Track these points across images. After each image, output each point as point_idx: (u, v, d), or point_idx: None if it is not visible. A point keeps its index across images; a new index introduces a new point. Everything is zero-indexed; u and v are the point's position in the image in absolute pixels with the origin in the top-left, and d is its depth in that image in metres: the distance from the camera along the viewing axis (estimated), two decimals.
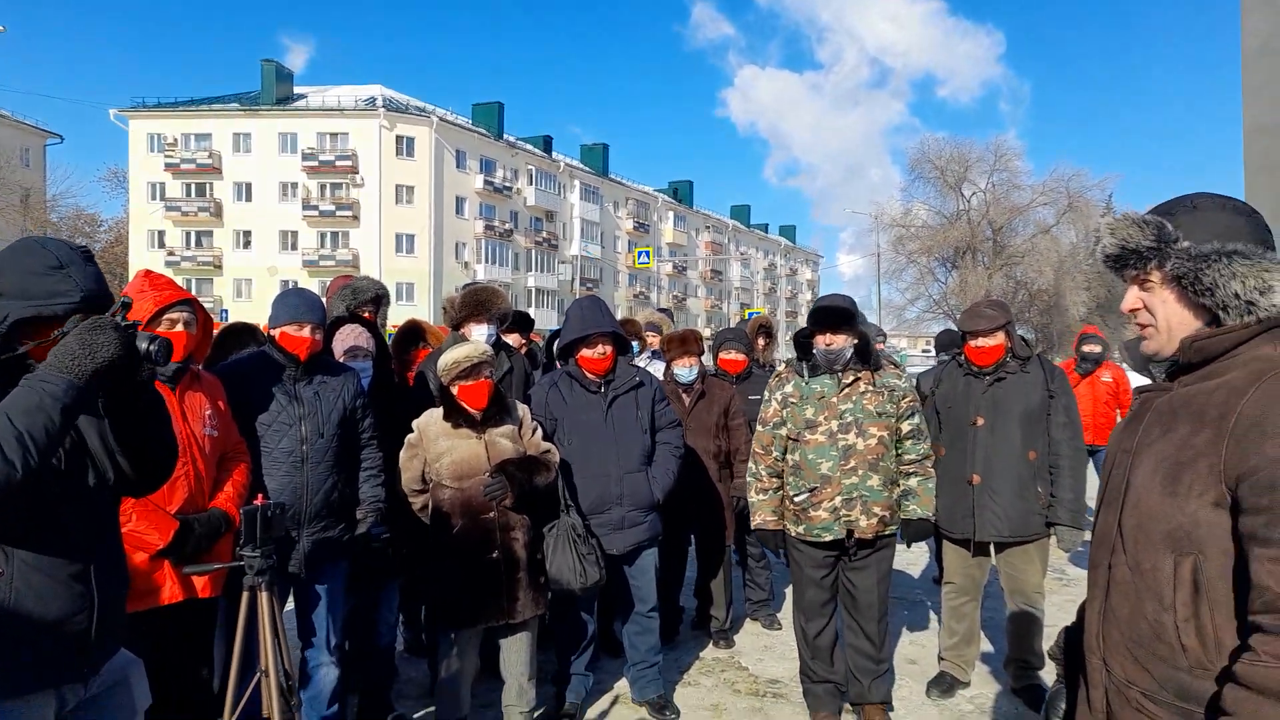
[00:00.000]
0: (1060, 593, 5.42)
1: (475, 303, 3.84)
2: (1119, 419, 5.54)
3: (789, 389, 3.55)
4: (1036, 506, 3.74)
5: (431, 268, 43.85)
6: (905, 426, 3.51)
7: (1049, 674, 3.90)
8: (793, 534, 3.54)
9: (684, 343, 4.61)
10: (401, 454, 3.30)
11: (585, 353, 3.64)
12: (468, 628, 3.23)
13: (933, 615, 5.10)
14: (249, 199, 43.94)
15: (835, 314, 3.42)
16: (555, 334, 4.90)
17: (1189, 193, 1.47)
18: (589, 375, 3.66)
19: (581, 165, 57.11)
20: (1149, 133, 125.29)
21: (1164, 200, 1.51)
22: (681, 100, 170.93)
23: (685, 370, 4.59)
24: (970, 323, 3.83)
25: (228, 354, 3.69)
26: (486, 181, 47.54)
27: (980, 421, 3.77)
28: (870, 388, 3.47)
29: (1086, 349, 6.64)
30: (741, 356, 5.14)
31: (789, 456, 3.54)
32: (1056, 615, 4.55)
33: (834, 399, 3.45)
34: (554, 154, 54.70)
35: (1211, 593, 1.29)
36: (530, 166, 51.33)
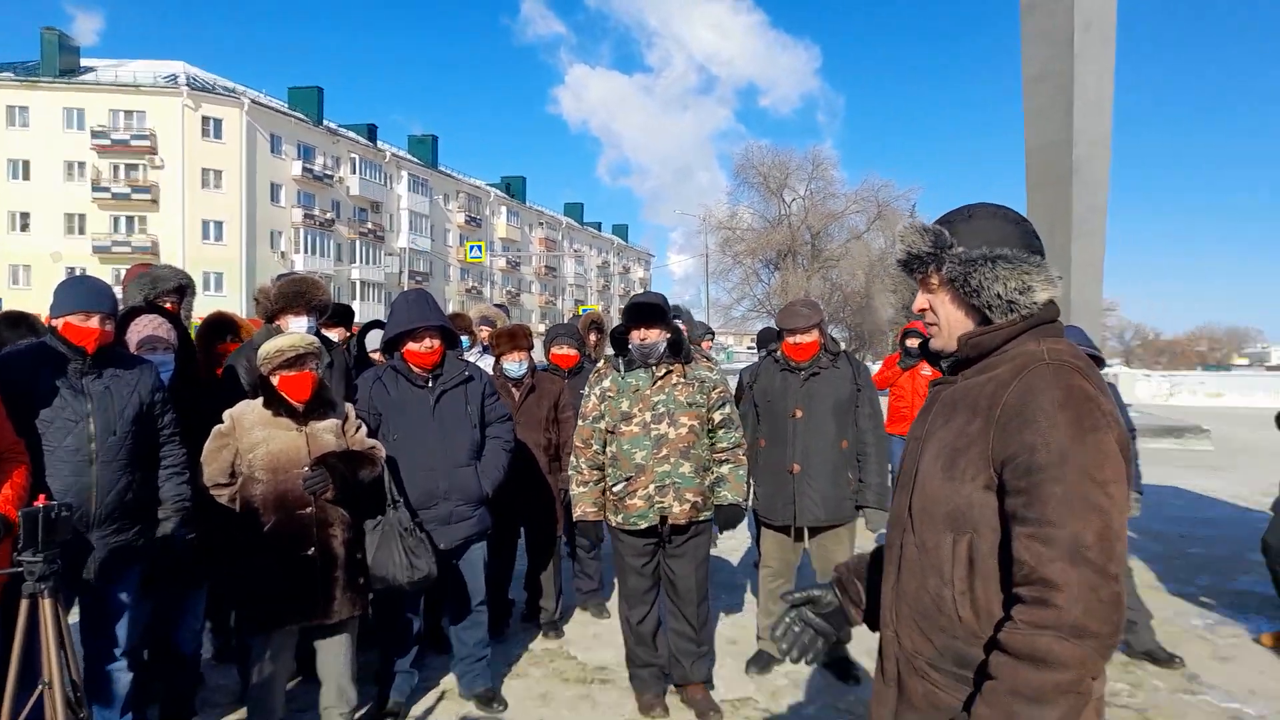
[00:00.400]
0: None
1: (293, 293, 3.66)
2: None
3: (607, 383, 3.66)
4: (847, 492, 4.03)
5: (243, 257, 41.14)
6: (716, 416, 3.69)
7: (854, 646, 4.22)
8: (613, 524, 3.64)
9: (513, 338, 4.61)
10: (208, 444, 3.09)
11: (412, 346, 3.56)
12: (281, 628, 3.09)
13: (751, 598, 5.35)
14: (26, 177, 39.52)
15: (649, 310, 3.58)
16: (367, 327, 4.73)
17: (970, 203, 1.61)
18: (415, 369, 3.59)
19: (409, 156, 55.41)
20: (949, 148, 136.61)
21: (949, 210, 1.65)
22: (513, 95, 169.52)
23: (514, 365, 4.58)
24: (789, 321, 4.06)
25: (1, 345, 3.33)
26: (305, 168, 45.14)
27: (799, 414, 4.01)
28: (682, 380, 3.62)
29: (909, 344, 6.99)
30: (573, 352, 5.19)
31: (608, 449, 3.64)
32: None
33: (648, 391, 3.59)
34: (379, 143, 52.70)
35: (983, 568, 1.41)
36: (353, 155, 49.21)
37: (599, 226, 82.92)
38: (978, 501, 1.42)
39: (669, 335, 3.62)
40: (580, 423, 3.72)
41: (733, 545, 6.94)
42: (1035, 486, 1.33)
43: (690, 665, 3.72)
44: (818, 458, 3.98)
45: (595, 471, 3.67)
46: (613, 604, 5.16)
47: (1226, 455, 12.92)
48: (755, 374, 4.29)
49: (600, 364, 3.84)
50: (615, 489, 3.60)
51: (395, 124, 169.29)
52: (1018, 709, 1.29)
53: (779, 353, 4.15)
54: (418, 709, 3.74)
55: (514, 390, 4.59)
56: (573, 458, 3.73)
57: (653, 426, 3.56)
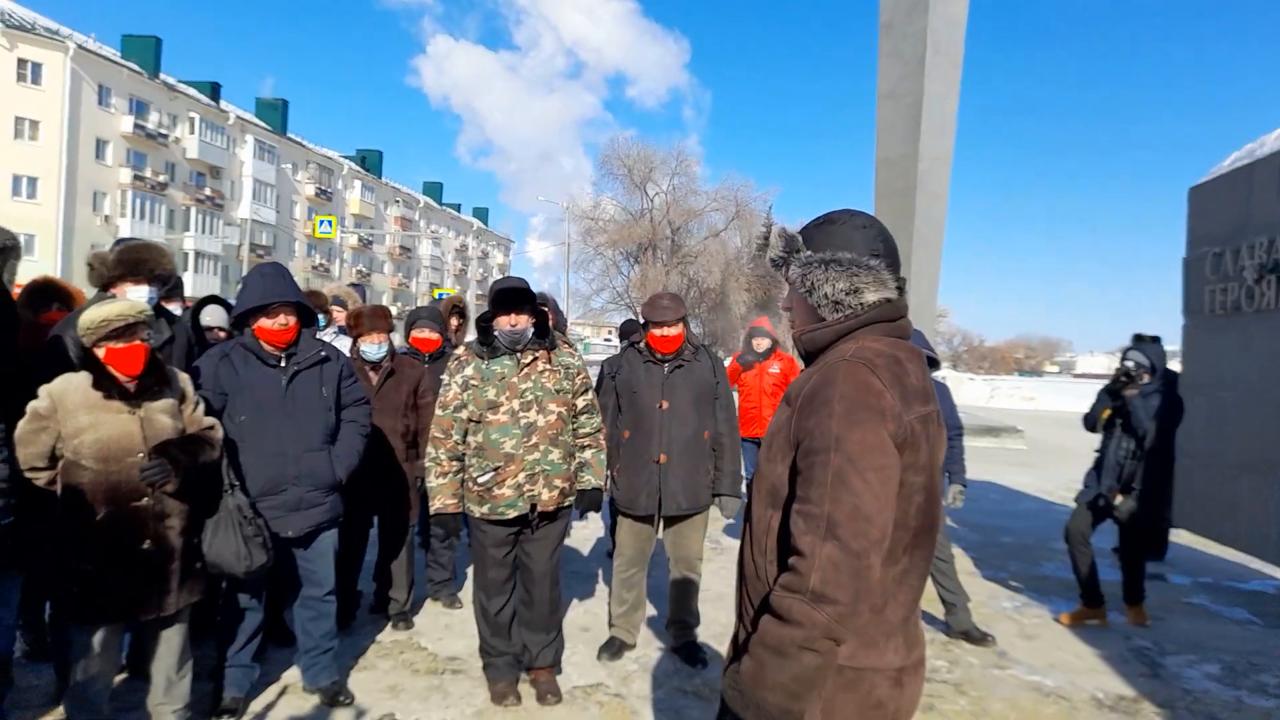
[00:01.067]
0: (714, 560, 6.04)
1: (133, 260, 3.39)
2: None
3: (469, 372, 3.59)
4: (706, 481, 4.16)
5: (60, 218, 37.41)
6: (580, 402, 3.71)
7: (703, 631, 4.37)
8: (476, 515, 3.59)
9: (372, 318, 4.46)
10: (23, 424, 2.76)
11: (264, 323, 3.37)
12: (109, 623, 2.87)
13: (603, 587, 5.43)
14: None
15: (517, 295, 3.53)
16: (203, 302, 4.44)
17: (837, 209, 1.72)
18: (267, 348, 3.41)
19: (256, 120, 52.04)
20: (809, 151, 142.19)
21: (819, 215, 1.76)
22: (371, 63, 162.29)
23: (373, 347, 4.44)
24: (656, 313, 4.13)
25: None
26: (137, 125, 41.50)
27: (664, 405, 4.10)
28: (548, 366, 3.62)
29: (754, 342, 6.87)
30: (435, 335, 5.09)
31: (471, 439, 3.57)
32: (711, 581, 5.08)
33: (514, 379, 3.55)
34: (223, 103, 49.22)
35: (786, 538, 1.56)
36: (193, 114, 45.66)
37: (459, 208, 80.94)
38: (784, 480, 1.58)
39: (535, 320, 3.59)
40: (439, 412, 3.62)
41: (585, 535, 7.01)
42: (809, 467, 1.49)
43: (539, 651, 3.74)
44: (682, 448, 4.09)
45: (455, 462, 3.60)
46: (465, 594, 5.10)
47: (1037, 454, 14.21)
48: (618, 365, 4.35)
49: (460, 351, 3.74)
50: (481, 480, 3.53)
51: (242, 84, 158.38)
52: (765, 659, 1.47)
53: (643, 344, 4.22)
54: (257, 704, 3.57)
55: (371, 374, 4.44)
56: (430, 448, 3.62)
57: (522, 414, 3.53)
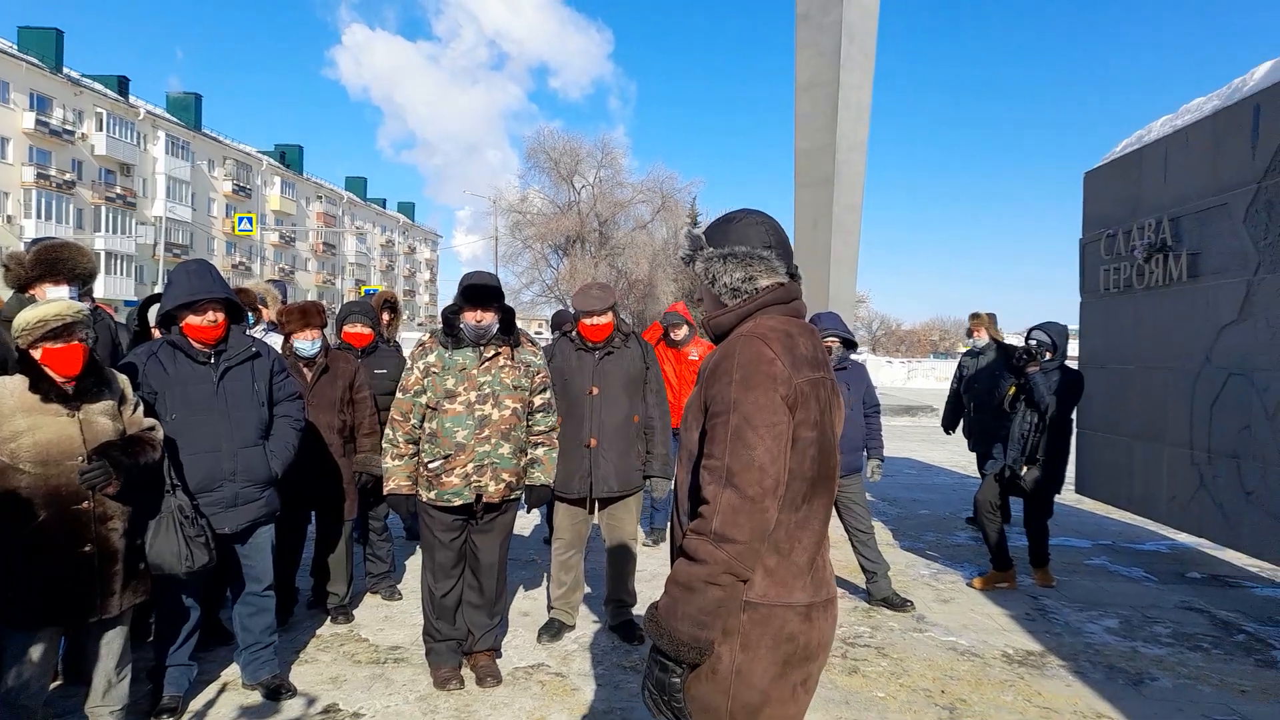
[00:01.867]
0: (646, 540, 6.22)
1: (52, 260, 3.36)
2: None
3: (431, 359, 3.67)
4: (637, 464, 4.31)
5: None
6: (537, 400, 3.81)
7: (640, 608, 4.52)
8: (424, 499, 3.67)
9: (305, 315, 4.47)
10: None
11: (192, 320, 3.37)
12: (51, 628, 2.86)
13: (542, 572, 5.54)
14: None
15: (486, 291, 3.61)
16: (149, 300, 4.40)
17: (736, 209, 1.96)
18: (196, 345, 3.41)
19: (168, 115, 50.17)
20: (731, 143, 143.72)
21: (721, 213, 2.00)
22: (286, 55, 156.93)
23: (307, 344, 4.45)
24: (585, 303, 4.25)
25: None
26: (40, 122, 39.71)
27: (595, 391, 4.23)
28: (509, 362, 3.71)
29: (672, 331, 6.64)
30: (368, 330, 5.12)
31: (426, 424, 3.66)
32: (646, 561, 5.24)
33: (474, 371, 3.64)
34: (131, 98, 47.31)
35: (697, 494, 1.77)
36: (100, 110, 43.84)
37: (383, 203, 79.42)
38: (697, 444, 1.79)
39: (502, 316, 3.67)
40: (400, 395, 3.70)
41: (524, 522, 7.10)
42: (713, 428, 1.71)
43: (481, 635, 3.84)
44: (612, 432, 4.23)
45: (411, 445, 3.68)
46: (404, 586, 5.17)
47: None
48: (551, 354, 4.46)
49: (425, 338, 3.82)
50: (431, 465, 3.62)
51: (151, 78, 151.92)
52: (676, 594, 1.68)
53: (574, 333, 4.33)
54: (197, 702, 3.58)
55: (305, 370, 4.46)
56: (389, 430, 3.70)
57: (477, 407, 3.62)
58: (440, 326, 3.76)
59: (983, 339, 7.14)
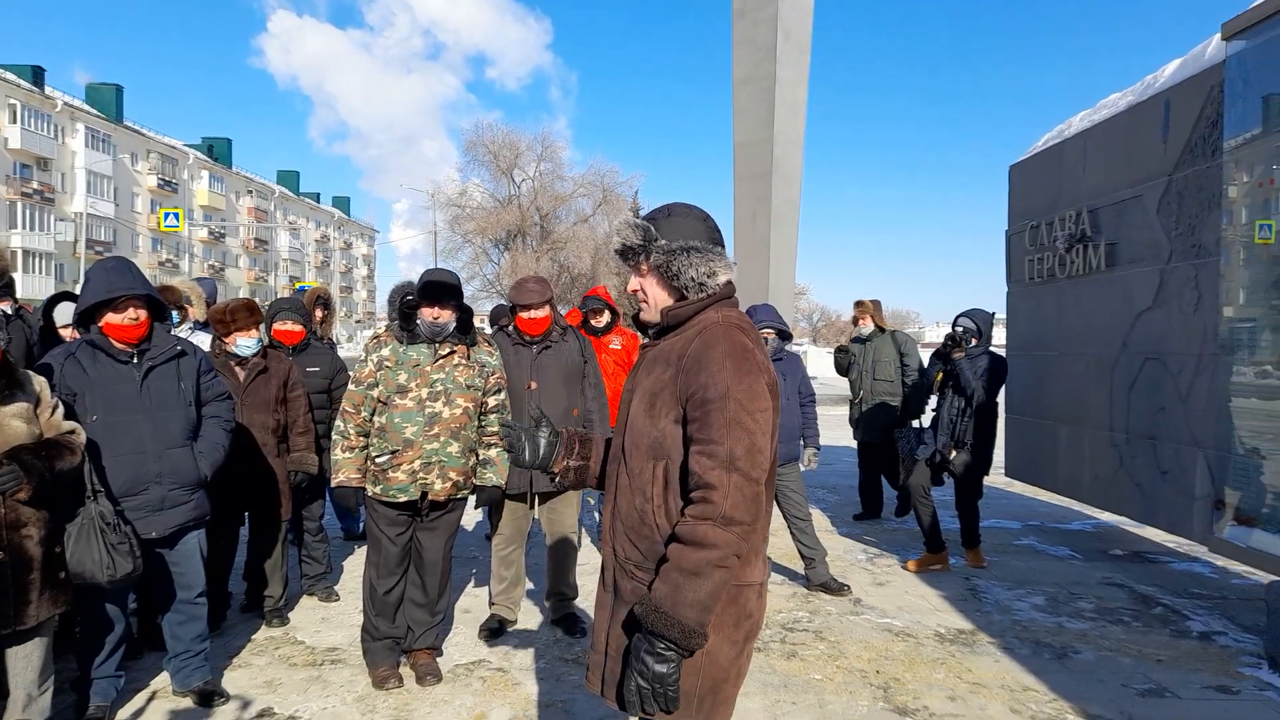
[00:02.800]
0: (590, 534, 6.23)
1: None
2: None
3: (385, 352, 3.64)
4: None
5: None
6: (491, 401, 3.78)
7: (582, 601, 4.53)
8: (370, 494, 3.64)
9: (243, 314, 4.34)
10: None
11: (112, 318, 3.25)
12: None
13: (483, 569, 5.51)
14: None
15: (444, 289, 3.57)
16: (54, 299, 4.23)
17: (669, 202, 1.98)
18: (117, 344, 3.30)
19: (87, 107, 48.23)
20: (672, 135, 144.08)
21: (657, 206, 2.01)
22: (211, 43, 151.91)
23: (251, 342, 4.34)
24: (522, 297, 4.23)
25: None
26: None
27: (533, 385, 4.22)
28: (464, 361, 3.68)
29: (592, 319, 6.14)
30: (298, 328, 5.01)
31: (376, 419, 3.62)
32: (586, 554, 5.25)
33: (428, 368, 3.61)
34: (48, 89, 45.36)
35: (673, 485, 1.80)
36: (13, 101, 41.92)
37: (318, 198, 77.65)
38: (670, 433, 1.80)
39: (459, 315, 3.64)
40: (353, 387, 3.66)
41: (465, 518, 7.04)
42: (705, 415, 1.72)
43: (421, 633, 3.81)
44: None
45: (362, 438, 3.64)
46: (341, 587, 5.09)
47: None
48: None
49: (381, 331, 3.78)
50: (379, 460, 3.59)
51: (68, 68, 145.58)
52: (681, 581, 1.68)
53: (511, 328, 4.31)
54: (124, 712, 3.48)
55: (238, 369, 4.35)
56: (340, 422, 3.66)
57: (428, 404, 3.59)
58: (396, 321, 3.71)
59: (868, 326, 7.03)
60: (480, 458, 3.80)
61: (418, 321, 3.63)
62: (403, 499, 3.60)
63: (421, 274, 3.68)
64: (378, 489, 3.62)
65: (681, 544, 1.70)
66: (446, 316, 3.61)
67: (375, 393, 3.63)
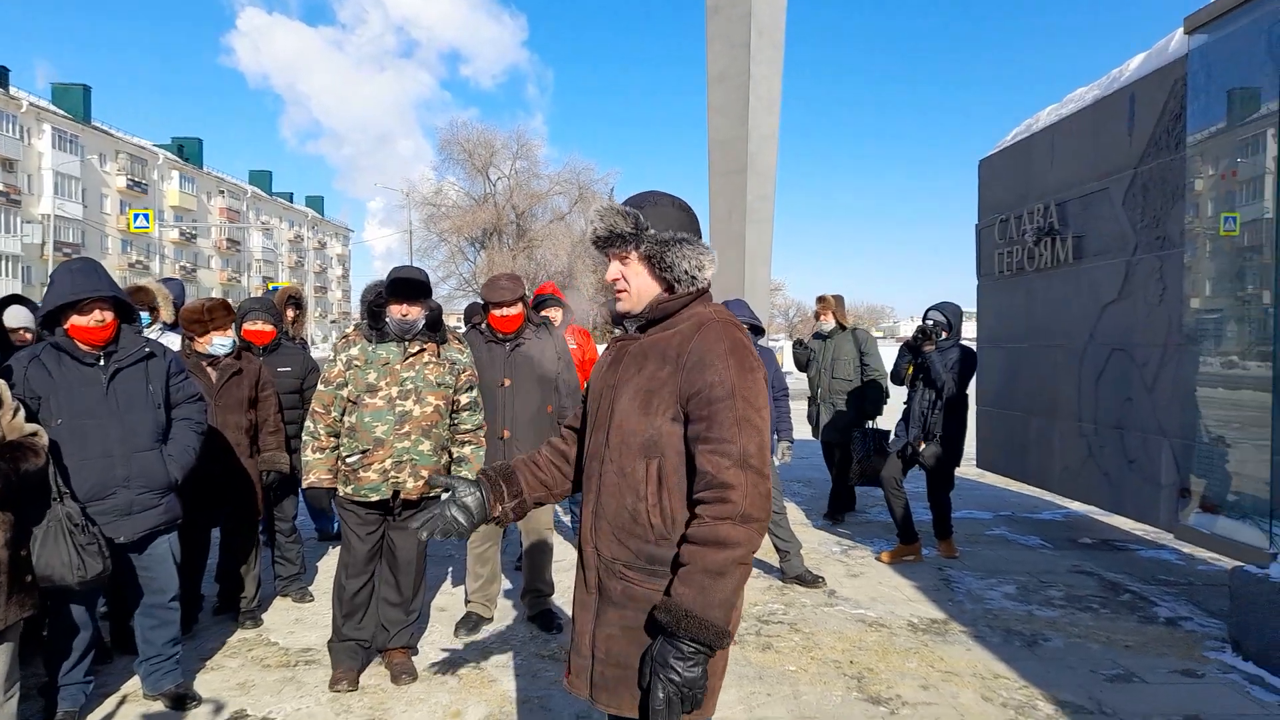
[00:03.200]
0: (565, 529, 6.23)
1: None
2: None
3: (355, 351, 3.62)
4: None
5: None
6: (464, 399, 3.77)
7: (558, 597, 4.53)
8: (342, 493, 3.62)
9: (217, 314, 4.29)
10: None
11: (78, 321, 3.20)
12: None
13: (459, 567, 5.49)
14: None
15: (413, 286, 3.55)
16: (4, 302, 4.13)
17: (650, 190, 1.92)
18: (83, 346, 3.25)
19: (53, 107, 47.44)
20: (650, 132, 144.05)
21: (634, 194, 1.94)
22: (180, 42, 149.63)
23: (226, 341, 4.30)
24: (495, 294, 4.22)
25: None
26: None
27: (507, 383, 4.21)
28: (434, 359, 3.67)
29: (549, 315, 5.73)
30: (269, 328, 4.97)
31: (346, 418, 3.60)
32: (562, 551, 5.26)
33: (397, 366, 3.59)
34: (12, 89, 44.57)
35: (669, 484, 1.77)
36: None
37: (291, 198, 76.90)
38: (666, 431, 1.77)
39: (428, 312, 3.62)
40: (322, 388, 3.63)
41: None
42: (714, 414, 1.71)
43: (396, 632, 3.79)
44: (526, 423, 4.22)
45: (333, 439, 3.62)
46: (315, 587, 5.06)
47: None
48: None
49: (350, 330, 3.75)
50: (349, 460, 3.57)
51: (33, 68, 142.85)
52: (707, 583, 1.66)
53: (483, 325, 4.30)
54: (94, 717, 3.43)
55: (210, 370, 4.31)
56: (309, 422, 3.63)
57: (398, 402, 3.57)
58: (365, 320, 3.68)
59: (829, 323, 6.87)
60: (454, 456, 3.78)
61: (386, 320, 3.61)
62: (374, 498, 3.58)
63: (390, 271, 3.65)
64: (349, 489, 3.60)
65: (701, 545, 1.67)
66: (415, 314, 3.59)
67: (345, 392, 3.61)
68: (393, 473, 3.57)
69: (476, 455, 3.82)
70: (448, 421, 3.74)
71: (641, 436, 1.78)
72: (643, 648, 1.75)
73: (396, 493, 3.60)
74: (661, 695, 1.64)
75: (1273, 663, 3.77)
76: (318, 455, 3.62)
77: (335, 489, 3.65)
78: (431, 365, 3.66)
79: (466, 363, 3.82)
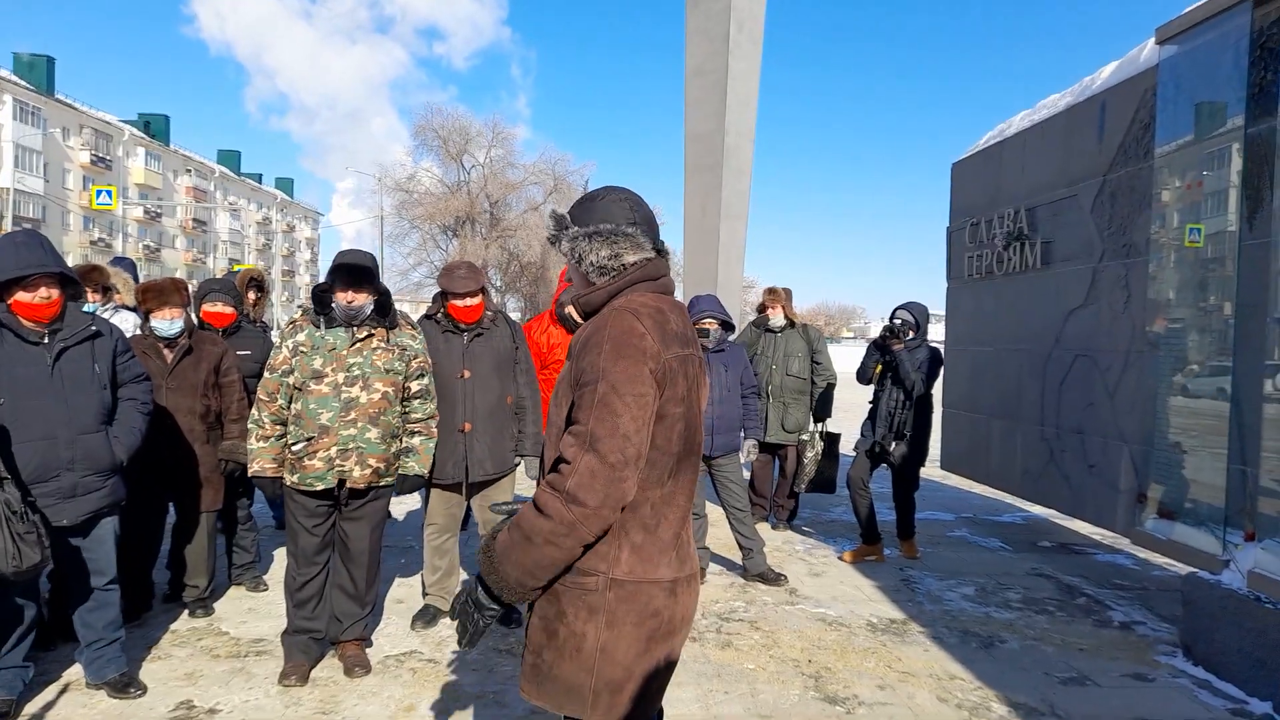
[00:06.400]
0: None
1: None
2: None
3: (301, 337, 3.53)
4: (511, 445, 4.27)
5: None
6: (414, 386, 3.68)
7: None
8: (288, 482, 3.54)
9: (162, 293, 4.19)
10: None
11: (22, 297, 3.09)
12: None
13: (417, 559, 5.40)
14: None
15: (358, 272, 3.47)
16: None
17: (601, 187, 1.93)
18: (27, 324, 3.14)
19: (15, 78, 46.20)
20: (632, 121, 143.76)
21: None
22: (145, 10, 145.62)
23: (166, 323, 4.18)
24: (456, 284, 4.14)
25: None
26: None
27: (466, 374, 4.14)
28: (383, 345, 3.58)
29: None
30: (229, 310, 4.86)
31: (293, 405, 3.52)
32: None
33: (344, 352, 3.51)
34: None
35: None
36: None
37: (260, 179, 75.67)
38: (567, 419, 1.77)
39: (376, 297, 3.54)
40: (268, 374, 3.54)
41: (400, 509, 6.94)
42: (580, 396, 1.71)
43: (349, 624, 3.72)
44: (486, 415, 4.16)
45: (278, 426, 3.53)
46: (270, 576, 4.96)
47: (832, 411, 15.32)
48: None
49: (297, 315, 3.65)
50: (295, 448, 3.48)
51: None
52: (516, 540, 1.69)
53: (440, 315, 4.22)
54: (33, 705, 3.33)
55: (165, 351, 4.19)
56: (254, 410, 3.54)
57: (344, 389, 3.48)
58: (312, 305, 3.59)
59: (779, 318, 6.49)
60: (404, 445, 3.70)
61: (333, 305, 3.52)
62: (319, 487, 3.50)
63: (335, 256, 3.56)
64: (295, 478, 3.51)
65: (529, 506, 1.71)
66: (362, 299, 3.51)
67: (291, 379, 3.52)
68: (338, 461, 3.48)
69: (425, 446, 3.74)
70: (398, 409, 3.65)
71: (555, 427, 1.82)
72: (553, 638, 1.77)
73: (342, 482, 3.52)
74: (455, 605, 1.81)
75: (1221, 668, 3.83)
76: (262, 444, 3.53)
77: (281, 478, 3.56)
78: (380, 351, 3.57)
79: (419, 349, 3.73)
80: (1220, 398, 4.24)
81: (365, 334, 3.55)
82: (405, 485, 3.74)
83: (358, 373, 3.52)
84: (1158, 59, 4.75)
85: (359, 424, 3.50)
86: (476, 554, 1.80)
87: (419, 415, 3.72)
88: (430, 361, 3.82)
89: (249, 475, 3.62)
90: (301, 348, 3.52)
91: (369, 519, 3.69)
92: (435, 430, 3.81)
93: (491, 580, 1.72)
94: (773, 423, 6.31)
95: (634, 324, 1.72)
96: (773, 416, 6.32)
